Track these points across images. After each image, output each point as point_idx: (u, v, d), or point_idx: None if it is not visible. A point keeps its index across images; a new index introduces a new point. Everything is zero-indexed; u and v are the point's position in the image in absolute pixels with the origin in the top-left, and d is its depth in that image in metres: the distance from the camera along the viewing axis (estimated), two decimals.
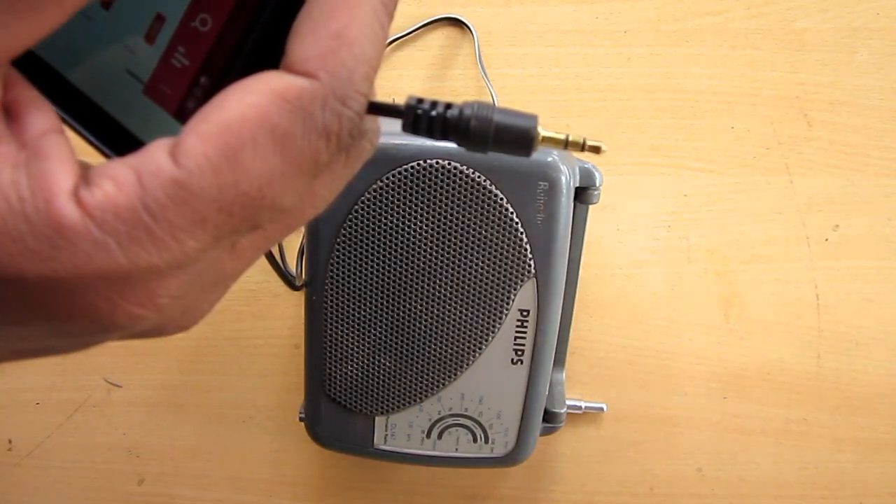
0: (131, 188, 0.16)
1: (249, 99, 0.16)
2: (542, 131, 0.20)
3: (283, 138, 0.17)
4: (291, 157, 0.17)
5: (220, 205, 0.16)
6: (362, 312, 0.39)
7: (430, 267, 0.37)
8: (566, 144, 0.20)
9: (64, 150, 0.17)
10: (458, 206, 0.36)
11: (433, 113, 0.19)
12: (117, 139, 0.19)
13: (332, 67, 0.17)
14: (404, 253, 0.37)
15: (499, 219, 0.36)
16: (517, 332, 0.39)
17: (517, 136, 0.19)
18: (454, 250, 0.37)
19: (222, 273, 0.19)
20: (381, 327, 0.39)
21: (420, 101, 0.19)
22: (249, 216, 0.17)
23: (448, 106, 0.19)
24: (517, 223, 0.37)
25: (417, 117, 0.19)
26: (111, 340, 0.18)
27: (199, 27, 0.18)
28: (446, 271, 0.37)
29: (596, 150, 0.21)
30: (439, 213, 0.36)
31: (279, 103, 0.17)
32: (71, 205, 0.16)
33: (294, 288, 0.38)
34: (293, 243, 0.48)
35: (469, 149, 0.20)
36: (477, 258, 0.37)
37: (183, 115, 0.19)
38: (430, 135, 0.19)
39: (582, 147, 0.21)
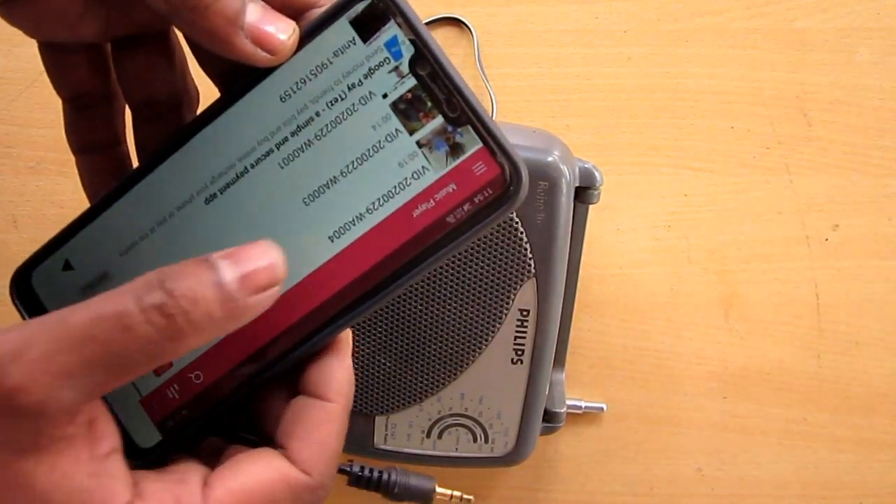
0: None
1: (262, 474, 0.23)
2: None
3: None
4: None
5: None
6: None
7: None
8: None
9: (124, 471, 0.22)
10: None
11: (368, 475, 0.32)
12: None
13: (321, 468, 0.24)
14: None
15: None
16: (517, 331, 0.39)
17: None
18: None
19: None
20: (380, 327, 0.39)
21: (362, 468, 0.32)
22: None
23: (380, 472, 0.33)
24: (517, 223, 0.37)
25: (359, 478, 0.32)
26: None
27: (192, 378, 0.26)
28: (446, 271, 0.37)
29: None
30: None
31: (283, 486, 0.23)
32: None
33: None
34: None
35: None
36: (477, 258, 0.37)
37: (162, 427, 0.26)
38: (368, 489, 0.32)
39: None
